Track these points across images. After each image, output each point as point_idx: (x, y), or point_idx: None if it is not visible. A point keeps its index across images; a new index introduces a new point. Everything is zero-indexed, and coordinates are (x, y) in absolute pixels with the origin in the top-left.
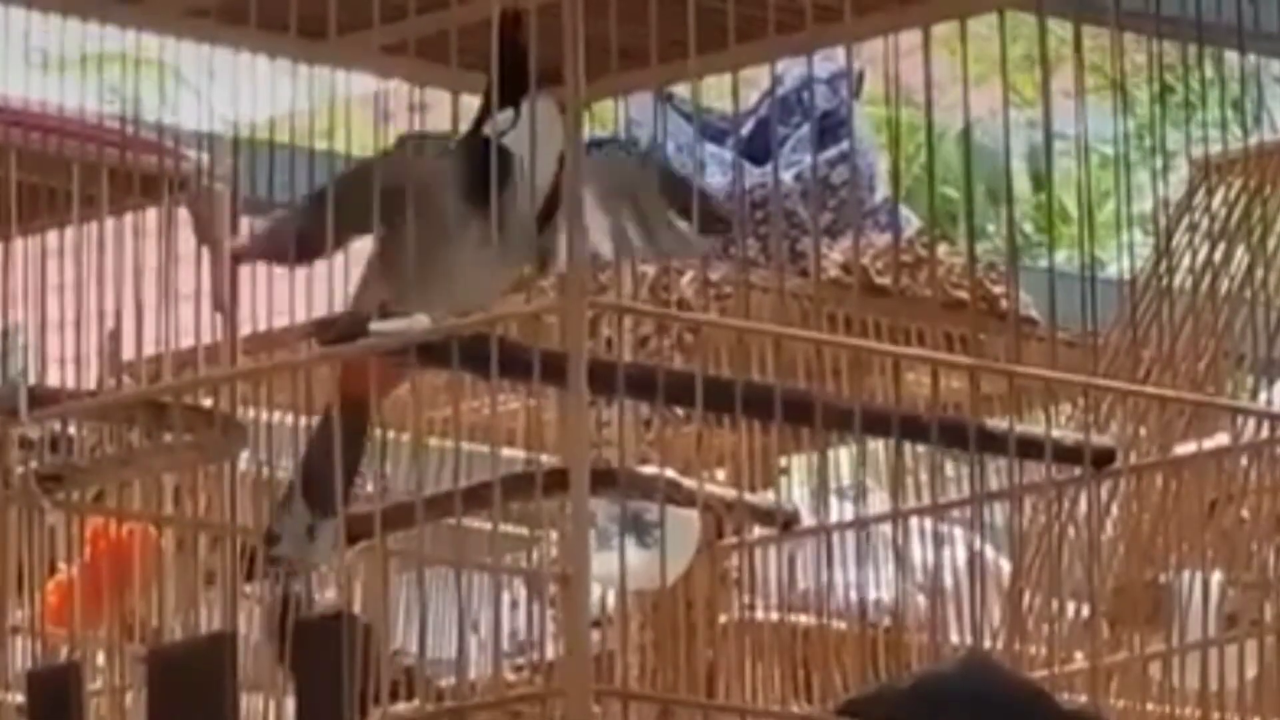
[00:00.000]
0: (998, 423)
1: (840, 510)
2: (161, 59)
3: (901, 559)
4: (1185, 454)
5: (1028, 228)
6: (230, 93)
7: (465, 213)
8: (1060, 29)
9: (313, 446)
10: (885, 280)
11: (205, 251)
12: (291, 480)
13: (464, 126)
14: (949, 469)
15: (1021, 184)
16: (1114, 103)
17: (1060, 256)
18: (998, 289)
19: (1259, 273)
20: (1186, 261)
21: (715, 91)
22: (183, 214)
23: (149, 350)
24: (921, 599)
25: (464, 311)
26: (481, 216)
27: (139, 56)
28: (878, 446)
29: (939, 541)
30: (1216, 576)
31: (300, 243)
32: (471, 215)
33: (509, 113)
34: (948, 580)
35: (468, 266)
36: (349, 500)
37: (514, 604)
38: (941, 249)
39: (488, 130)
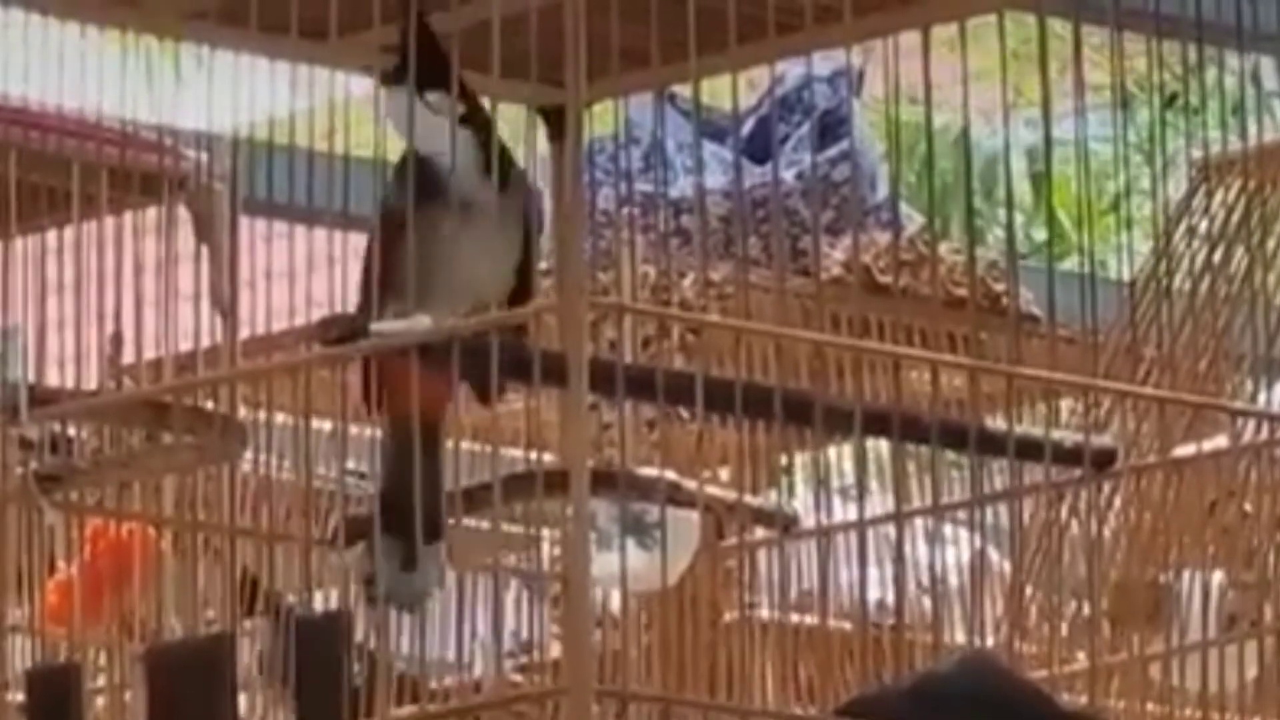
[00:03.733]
0: (998, 424)
1: (841, 510)
2: (161, 58)
3: (902, 559)
4: (1185, 455)
5: (1033, 233)
6: (230, 93)
7: (424, 217)
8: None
9: (387, 476)
10: (886, 279)
11: (205, 252)
12: (369, 517)
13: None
14: (950, 469)
15: (1021, 186)
16: (1113, 103)
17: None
18: (999, 287)
19: (1258, 274)
20: (1186, 262)
21: (715, 91)
22: (182, 214)
23: (149, 351)
24: (923, 599)
25: (483, 303)
26: (437, 214)
27: (138, 54)
28: (878, 447)
29: (940, 541)
30: (1217, 577)
31: None
32: (428, 218)
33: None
34: (949, 580)
35: (455, 262)
36: (441, 520)
37: (515, 604)
38: (943, 247)
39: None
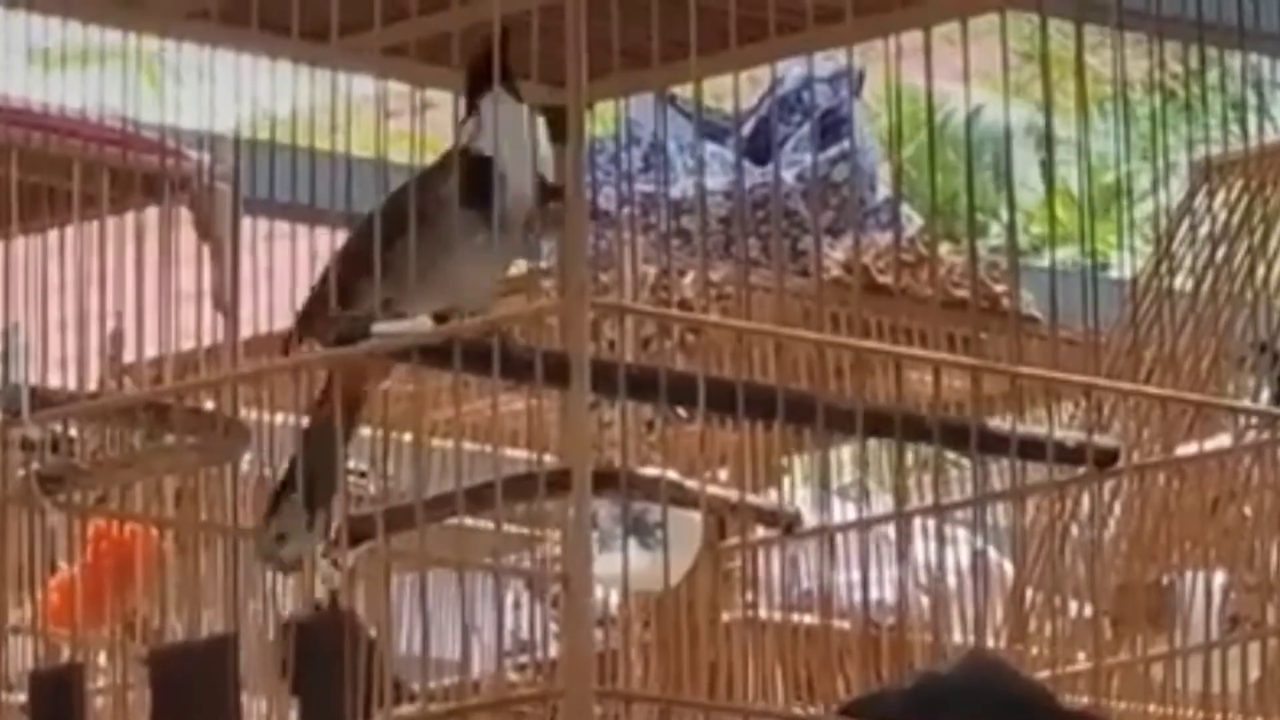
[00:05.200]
0: (1000, 423)
1: (843, 511)
2: (162, 58)
3: (904, 559)
4: (1187, 454)
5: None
6: (232, 93)
7: (465, 220)
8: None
9: (311, 448)
10: (886, 279)
11: (206, 251)
12: (282, 482)
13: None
14: (951, 469)
15: (1032, 173)
16: (1114, 103)
17: (1062, 254)
18: (999, 288)
19: (1260, 273)
20: (1188, 262)
21: (716, 91)
22: (184, 213)
23: (150, 351)
24: (924, 599)
25: (466, 308)
26: (477, 221)
27: (139, 55)
28: (880, 447)
29: (941, 541)
30: (1219, 578)
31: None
32: (469, 221)
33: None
34: (950, 580)
35: (468, 266)
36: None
37: (516, 604)
38: (943, 248)
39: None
